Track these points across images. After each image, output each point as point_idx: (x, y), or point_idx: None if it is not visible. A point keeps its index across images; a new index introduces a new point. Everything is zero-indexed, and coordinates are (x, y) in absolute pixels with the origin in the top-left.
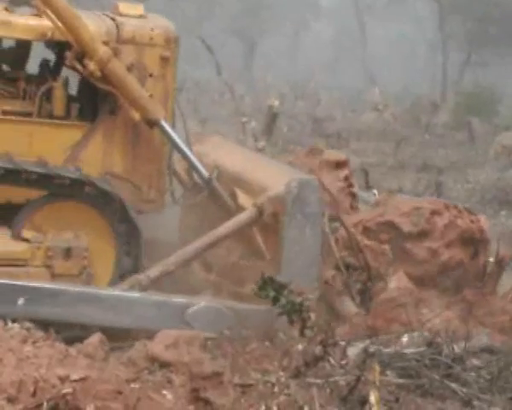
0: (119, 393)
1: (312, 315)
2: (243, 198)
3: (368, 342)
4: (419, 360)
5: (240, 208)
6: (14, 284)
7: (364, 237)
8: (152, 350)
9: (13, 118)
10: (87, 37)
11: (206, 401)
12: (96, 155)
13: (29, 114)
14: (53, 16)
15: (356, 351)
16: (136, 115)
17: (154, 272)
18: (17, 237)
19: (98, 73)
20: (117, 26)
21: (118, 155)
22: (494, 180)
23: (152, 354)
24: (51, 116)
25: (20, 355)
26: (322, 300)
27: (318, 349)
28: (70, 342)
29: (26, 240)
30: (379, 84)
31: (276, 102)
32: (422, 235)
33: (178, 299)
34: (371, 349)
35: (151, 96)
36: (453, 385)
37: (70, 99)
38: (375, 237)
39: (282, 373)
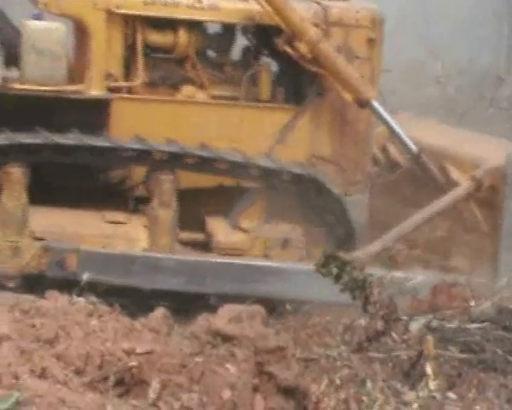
0: (184, 366)
1: (375, 291)
2: (455, 173)
3: (430, 316)
4: (483, 335)
5: (452, 183)
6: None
7: None
8: (215, 324)
9: (223, 102)
10: (296, 18)
11: (270, 375)
12: (303, 138)
13: (235, 99)
14: (262, 0)
15: (418, 326)
16: (348, 96)
17: (373, 247)
18: (236, 227)
19: (309, 55)
20: (324, 9)
21: (325, 138)
22: None
23: (215, 328)
24: (257, 100)
25: (86, 329)
26: None
27: (380, 324)
28: None
29: (245, 230)
30: (441, 56)
31: None
32: None
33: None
34: (433, 324)
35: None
36: None
37: (273, 83)
38: None
39: (343, 348)
